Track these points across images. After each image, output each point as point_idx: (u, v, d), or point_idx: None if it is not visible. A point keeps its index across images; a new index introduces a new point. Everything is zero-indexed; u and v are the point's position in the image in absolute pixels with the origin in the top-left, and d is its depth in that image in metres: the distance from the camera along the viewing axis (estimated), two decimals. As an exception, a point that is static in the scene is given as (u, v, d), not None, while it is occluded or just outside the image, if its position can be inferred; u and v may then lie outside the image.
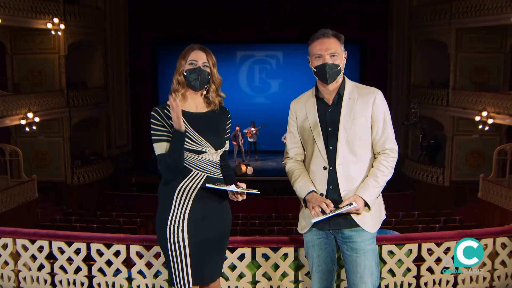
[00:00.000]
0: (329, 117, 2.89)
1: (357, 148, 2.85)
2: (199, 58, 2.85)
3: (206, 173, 2.85)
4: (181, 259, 2.79)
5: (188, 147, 2.79)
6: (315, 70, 2.85)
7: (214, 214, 2.87)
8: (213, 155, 2.88)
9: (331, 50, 2.81)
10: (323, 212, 2.75)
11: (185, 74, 2.86)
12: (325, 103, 2.92)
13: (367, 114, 2.85)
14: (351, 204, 2.76)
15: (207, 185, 2.78)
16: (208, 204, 2.85)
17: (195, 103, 2.92)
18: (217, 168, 2.91)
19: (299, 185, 2.94)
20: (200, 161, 2.84)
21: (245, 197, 2.81)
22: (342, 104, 2.87)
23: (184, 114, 2.81)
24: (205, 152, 2.84)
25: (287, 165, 3.07)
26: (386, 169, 2.86)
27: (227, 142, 2.99)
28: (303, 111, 2.97)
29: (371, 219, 2.88)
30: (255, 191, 2.76)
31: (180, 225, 2.79)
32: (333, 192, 2.86)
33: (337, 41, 2.84)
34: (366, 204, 2.81)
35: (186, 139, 2.78)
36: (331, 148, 2.86)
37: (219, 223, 2.90)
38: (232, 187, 2.75)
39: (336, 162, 2.85)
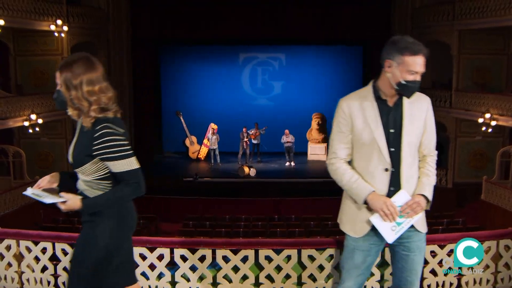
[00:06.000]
0: (391, 118, 2.90)
1: (413, 150, 2.92)
2: (57, 77, 2.67)
3: (82, 191, 2.76)
4: None
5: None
6: (404, 83, 2.81)
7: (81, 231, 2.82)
8: (81, 175, 2.75)
9: (423, 70, 2.83)
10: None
11: None
12: (386, 104, 2.92)
13: (422, 118, 2.93)
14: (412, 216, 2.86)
15: (24, 192, 2.71)
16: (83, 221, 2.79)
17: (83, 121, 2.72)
18: (95, 188, 2.72)
19: (355, 185, 2.89)
20: (79, 179, 2.77)
21: (63, 207, 2.65)
22: (403, 106, 2.91)
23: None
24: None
25: (335, 165, 2.96)
26: (434, 171, 2.99)
27: (113, 164, 2.66)
28: (359, 111, 2.91)
29: (423, 220, 2.98)
30: (58, 200, 2.63)
31: None
32: (393, 194, 2.88)
33: None
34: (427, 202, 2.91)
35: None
36: (392, 149, 2.88)
37: (78, 241, 2.83)
38: (28, 191, 2.66)
39: (401, 164, 2.87)
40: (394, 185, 2.88)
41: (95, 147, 2.63)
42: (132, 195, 2.74)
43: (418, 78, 2.82)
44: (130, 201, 2.86)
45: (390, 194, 2.88)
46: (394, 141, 2.88)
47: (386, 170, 2.87)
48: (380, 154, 2.87)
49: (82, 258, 2.72)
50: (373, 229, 2.91)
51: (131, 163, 2.70)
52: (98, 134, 2.62)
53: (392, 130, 2.88)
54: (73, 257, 2.82)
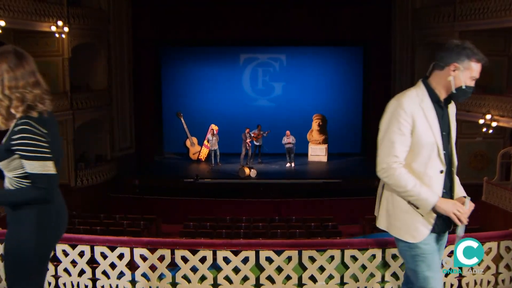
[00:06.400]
0: (443, 120, 2.91)
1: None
2: None
3: (8, 186, 2.70)
4: None
5: None
6: (464, 87, 2.84)
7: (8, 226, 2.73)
8: (4, 171, 2.67)
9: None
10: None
11: None
12: (441, 106, 2.92)
13: (454, 121, 3.00)
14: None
15: None
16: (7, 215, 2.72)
17: None
18: (14, 186, 2.64)
19: (423, 190, 2.80)
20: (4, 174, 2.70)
21: None
22: (449, 108, 2.95)
23: None
24: None
25: (398, 170, 2.81)
26: None
27: (27, 163, 2.54)
28: (420, 112, 2.85)
29: None
30: None
31: None
32: (446, 195, 2.91)
33: None
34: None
35: None
36: (444, 152, 2.89)
37: (5, 240, 2.72)
38: None
39: (453, 165, 2.94)
40: (446, 187, 2.92)
41: (13, 142, 2.53)
42: (37, 200, 2.59)
43: (473, 84, 2.86)
44: (62, 202, 2.81)
45: (443, 196, 2.88)
46: (446, 143, 2.91)
47: (441, 172, 2.88)
48: (438, 156, 2.86)
49: (12, 257, 2.65)
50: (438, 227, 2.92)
51: (46, 167, 2.56)
52: (17, 129, 2.53)
53: (444, 133, 2.89)
54: (4, 257, 2.73)
